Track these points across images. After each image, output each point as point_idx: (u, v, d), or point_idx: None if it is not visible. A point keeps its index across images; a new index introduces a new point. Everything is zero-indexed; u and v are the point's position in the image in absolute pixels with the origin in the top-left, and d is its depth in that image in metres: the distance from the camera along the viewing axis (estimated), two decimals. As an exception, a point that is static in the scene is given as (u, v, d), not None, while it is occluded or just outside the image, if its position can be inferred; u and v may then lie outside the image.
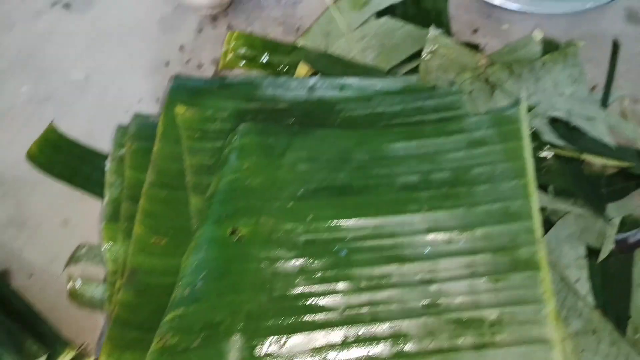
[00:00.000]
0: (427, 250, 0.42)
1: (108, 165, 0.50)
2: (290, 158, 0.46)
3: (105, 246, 0.45)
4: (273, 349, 0.38)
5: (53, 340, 0.43)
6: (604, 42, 0.71)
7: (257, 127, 0.47)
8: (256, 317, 0.39)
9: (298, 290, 0.40)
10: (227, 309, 0.39)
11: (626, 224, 0.58)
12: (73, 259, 0.51)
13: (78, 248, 0.51)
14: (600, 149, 0.65)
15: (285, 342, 0.38)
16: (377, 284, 0.41)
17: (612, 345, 0.48)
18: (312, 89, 0.54)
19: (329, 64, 0.61)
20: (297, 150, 0.47)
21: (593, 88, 0.69)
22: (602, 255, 0.54)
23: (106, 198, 0.48)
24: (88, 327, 0.48)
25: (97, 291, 0.48)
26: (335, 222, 0.43)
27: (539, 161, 0.55)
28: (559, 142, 0.60)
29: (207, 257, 0.41)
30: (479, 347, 0.37)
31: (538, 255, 0.40)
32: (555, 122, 0.64)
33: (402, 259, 0.42)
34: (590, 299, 0.51)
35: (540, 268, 0.39)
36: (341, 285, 0.41)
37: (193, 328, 0.39)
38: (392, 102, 0.51)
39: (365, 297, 0.40)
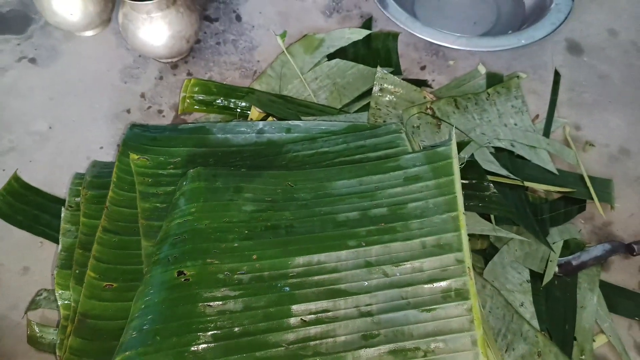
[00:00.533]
0: (366, 284, 0.44)
1: (63, 213, 0.52)
2: (237, 200, 0.48)
3: (58, 293, 0.46)
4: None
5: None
6: (546, 73, 0.75)
7: (205, 171, 0.50)
8: (201, 357, 0.40)
9: (242, 328, 0.42)
10: (172, 351, 0.40)
11: (570, 247, 0.61)
12: (32, 304, 0.52)
13: (37, 294, 0.52)
14: (543, 176, 0.67)
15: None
16: (319, 319, 0.42)
17: (558, 367, 0.50)
18: (260, 131, 0.56)
19: (280, 106, 0.64)
20: (244, 192, 0.49)
21: (536, 117, 0.73)
22: (547, 279, 0.56)
23: (60, 246, 0.50)
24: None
25: (55, 336, 0.49)
26: (278, 261, 0.45)
27: (481, 190, 0.58)
28: (502, 171, 0.63)
29: (154, 300, 0.43)
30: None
31: (468, 284, 0.42)
32: (500, 152, 0.67)
33: (342, 293, 0.43)
34: (535, 323, 0.53)
35: (470, 297, 0.41)
36: (284, 322, 0.42)
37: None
38: (335, 142, 0.54)
39: (308, 331, 0.42)
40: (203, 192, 0.49)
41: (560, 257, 0.58)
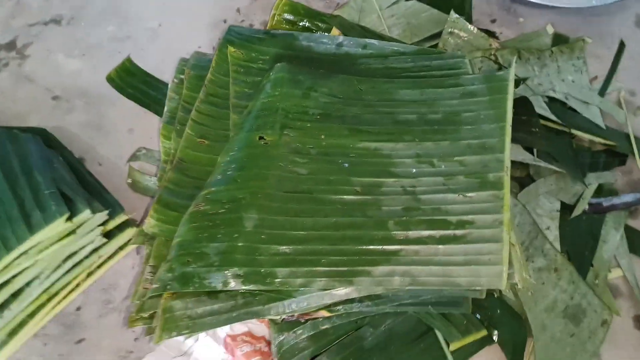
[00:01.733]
0: (413, 170, 0.51)
1: (170, 85, 0.62)
2: (314, 92, 0.57)
3: (162, 142, 0.57)
4: (279, 222, 0.48)
5: (113, 206, 0.55)
6: (610, 42, 0.78)
7: (289, 67, 0.58)
8: (270, 199, 0.49)
9: (305, 186, 0.51)
10: (248, 191, 0.50)
11: (602, 192, 0.65)
12: (134, 156, 0.63)
13: (138, 150, 0.64)
14: (590, 128, 0.71)
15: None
16: (369, 190, 0.51)
17: (571, 284, 0.55)
18: (340, 45, 0.64)
19: (358, 33, 0.72)
20: (320, 87, 0.57)
21: (594, 79, 0.76)
22: (576, 212, 0.61)
23: (166, 108, 0.61)
24: (140, 206, 0.60)
25: (149, 182, 0.60)
26: (342, 142, 0.53)
27: (528, 126, 0.63)
28: (552, 117, 0.68)
29: (238, 155, 0.52)
30: (443, 240, 0.46)
31: (503, 178, 0.48)
32: (553, 102, 0.72)
33: (392, 175, 0.51)
34: (557, 245, 0.58)
35: (503, 188, 0.48)
36: (341, 188, 0.51)
37: (221, 200, 0.49)
38: (404, 60, 0.61)
39: (359, 198, 0.50)
40: (286, 82, 0.57)
41: (593, 198, 0.62)
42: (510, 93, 0.53)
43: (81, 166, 0.60)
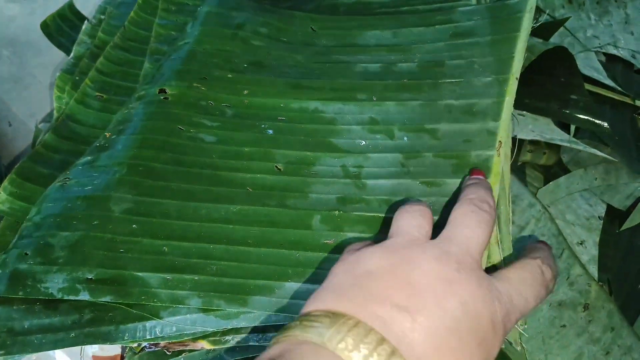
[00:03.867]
0: (363, 143, 0.35)
1: (84, 26, 0.50)
2: (247, 31, 0.42)
3: (55, 95, 0.45)
4: (160, 208, 0.34)
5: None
6: None
7: (223, -1, 0.44)
8: (153, 174, 0.35)
9: (207, 159, 0.36)
10: (126, 162, 0.36)
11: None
12: (48, 117, 0.52)
13: (53, 110, 0.52)
14: None
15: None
16: (296, 169, 0.35)
17: (609, 331, 0.36)
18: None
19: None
20: (257, 26, 0.42)
21: None
22: (630, 223, 0.41)
23: (72, 54, 0.48)
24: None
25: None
26: (270, 101, 0.38)
27: (567, 91, 0.43)
28: (608, 82, 0.47)
29: (129, 115, 0.39)
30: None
31: (491, 161, 0.30)
32: (613, 62, 0.51)
33: (332, 148, 0.35)
34: (593, 270, 0.39)
35: (491, 175, 0.30)
36: (256, 164, 0.36)
37: (92, 174, 0.36)
38: (384, -8, 0.44)
39: (278, 180, 0.35)
40: (214, 18, 0.43)
41: (659, 202, 0.42)
42: (525, 29, 0.34)
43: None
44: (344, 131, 0.36)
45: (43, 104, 0.54)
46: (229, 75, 0.39)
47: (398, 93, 0.36)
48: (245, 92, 0.39)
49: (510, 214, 0.32)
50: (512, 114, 0.33)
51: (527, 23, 0.35)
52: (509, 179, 0.32)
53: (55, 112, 0.45)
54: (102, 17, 0.51)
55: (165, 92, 0.38)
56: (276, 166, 0.35)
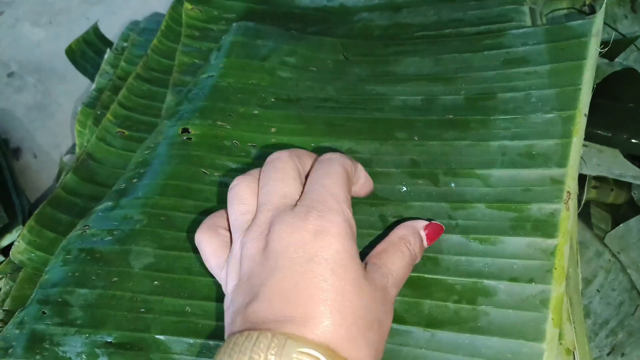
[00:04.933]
0: (404, 189, 0.31)
1: (106, 55, 0.48)
2: (273, 62, 0.39)
3: (77, 130, 0.44)
4: (183, 263, 0.32)
5: (19, 215, 0.43)
6: None
7: (249, 26, 0.41)
8: (175, 225, 0.33)
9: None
10: (147, 211, 0.34)
11: None
12: (71, 149, 0.51)
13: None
14: None
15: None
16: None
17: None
18: (335, -6, 0.45)
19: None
20: (284, 55, 0.39)
21: None
22: None
23: (93, 85, 0.47)
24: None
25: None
26: (299, 139, 0.35)
27: (638, 119, 0.38)
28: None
29: (150, 156, 0.37)
30: (432, 323, 0.26)
31: (558, 217, 0.26)
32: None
33: (370, 196, 0.32)
34: (673, 328, 0.34)
35: (557, 233, 0.26)
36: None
37: (112, 222, 0.35)
38: (424, 13, 0.40)
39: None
40: (239, 48, 0.40)
41: None
42: (592, 57, 0.30)
43: (5, 160, 0.50)
44: (381, 175, 0.32)
45: (67, 134, 0.54)
46: (255, 112, 0.37)
47: (442, 131, 0.32)
48: (273, 130, 0.36)
49: (579, 275, 0.27)
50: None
51: (593, 49, 0.30)
52: (576, 232, 0.28)
53: (77, 148, 0.44)
54: (125, 44, 0.49)
55: (189, 132, 0.36)
56: None
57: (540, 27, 0.33)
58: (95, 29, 0.60)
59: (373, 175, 0.33)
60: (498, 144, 0.30)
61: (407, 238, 0.26)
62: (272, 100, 0.37)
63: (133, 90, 0.44)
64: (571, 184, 0.27)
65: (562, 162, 0.28)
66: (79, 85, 0.56)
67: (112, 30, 0.60)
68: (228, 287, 0.25)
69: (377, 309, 0.23)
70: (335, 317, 0.21)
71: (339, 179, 0.25)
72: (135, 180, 0.36)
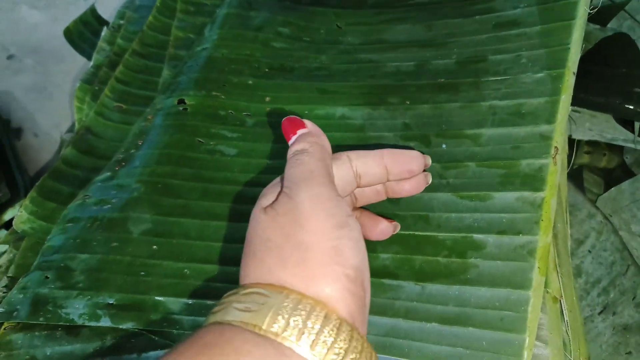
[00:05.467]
0: (395, 153, 0.32)
1: (103, 32, 0.49)
2: (267, 33, 0.39)
3: (76, 106, 0.44)
4: (181, 228, 0.33)
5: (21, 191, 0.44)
6: None
7: (244, -1, 0.41)
8: (173, 191, 0.34)
9: (228, 174, 0.34)
10: (145, 179, 0.35)
11: None
12: (71, 127, 0.52)
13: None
14: None
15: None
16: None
17: (685, 359, 0.32)
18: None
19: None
20: (278, 25, 0.39)
21: None
22: None
23: (91, 62, 0.48)
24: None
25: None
26: (294, 107, 0.35)
27: (631, 84, 0.39)
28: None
29: (147, 127, 0.37)
30: (423, 276, 0.27)
31: (546, 171, 0.27)
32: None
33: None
34: (664, 286, 0.35)
35: (544, 187, 0.26)
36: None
37: (110, 191, 0.35)
38: (418, -19, 0.40)
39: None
40: (233, 20, 0.40)
41: None
42: (581, 17, 0.30)
43: (7, 139, 0.50)
44: (374, 139, 0.33)
45: (67, 113, 0.54)
46: (250, 82, 0.37)
47: (434, 95, 0.32)
48: (267, 99, 0.36)
49: (568, 230, 0.28)
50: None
51: (582, 9, 0.31)
52: (565, 191, 0.29)
53: (76, 123, 0.44)
54: (121, 22, 0.50)
55: (184, 103, 0.37)
56: None
57: None
58: (92, 10, 0.60)
59: (366, 139, 0.33)
60: (488, 104, 0.30)
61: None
62: (266, 70, 0.38)
63: (130, 66, 0.44)
64: (559, 140, 0.27)
65: (550, 119, 0.28)
66: (77, 66, 0.57)
67: (108, 11, 0.60)
68: None
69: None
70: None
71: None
72: (133, 151, 0.37)
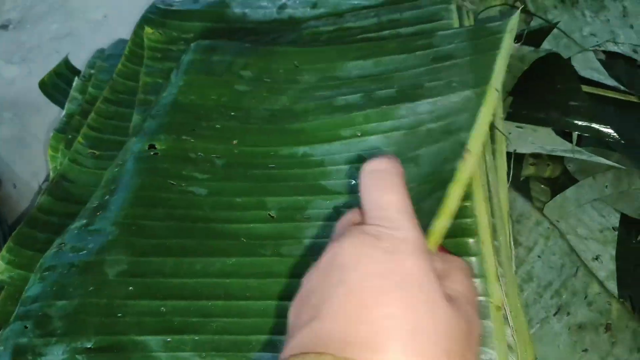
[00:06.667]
0: (352, 182, 0.34)
1: (75, 82, 0.50)
2: (230, 76, 0.41)
3: (50, 155, 0.45)
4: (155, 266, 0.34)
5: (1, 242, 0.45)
6: None
7: (205, 44, 0.43)
8: (147, 233, 0.35)
9: (200, 212, 0.35)
10: (119, 223, 0.36)
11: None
12: (48, 176, 0.53)
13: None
14: None
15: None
16: (289, 215, 0.34)
17: (636, 352, 0.34)
18: (282, 7, 0.47)
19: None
20: (240, 68, 0.41)
21: None
22: (648, 231, 0.39)
23: (64, 112, 0.49)
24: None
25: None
26: (260, 150, 0.37)
27: (567, 98, 0.41)
28: (610, 82, 0.45)
29: (119, 173, 0.38)
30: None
31: (456, 169, 0.27)
32: (614, 59, 0.48)
33: (322, 191, 0.34)
34: (612, 286, 0.37)
35: (446, 186, 0.27)
36: (248, 214, 0.35)
37: (86, 237, 0.36)
38: (365, 16, 0.43)
39: (271, 227, 0.34)
40: (197, 66, 0.42)
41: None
42: (505, 48, 0.33)
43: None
44: (333, 172, 0.34)
45: (44, 163, 0.55)
46: (217, 125, 0.39)
47: (379, 123, 0.35)
48: (234, 141, 0.38)
49: (511, 241, 0.30)
50: (499, 126, 0.31)
51: (507, 42, 0.33)
52: (506, 204, 0.31)
53: (51, 172, 0.45)
54: (92, 71, 0.51)
55: (155, 148, 0.38)
56: (269, 214, 0.34)
57: (464, 28, 0.36)
58: (65, 62, 0.61)
59: (326, 173, 0.35)
60: (426, 128, 0.32)
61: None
62: (232, 114, 0.39)
63: (101, 113, 0.46)
64: (474, 144, 0.29)
65: (469, 128, 0.30)
66: (53, 116, 0.58)
67: (81, 61, 0.61)
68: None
69: (462, 339, 0.19)
70: (406, 343, 0.18)
71: (399, 189, 0.22)
72: (107, 197, 0.38)
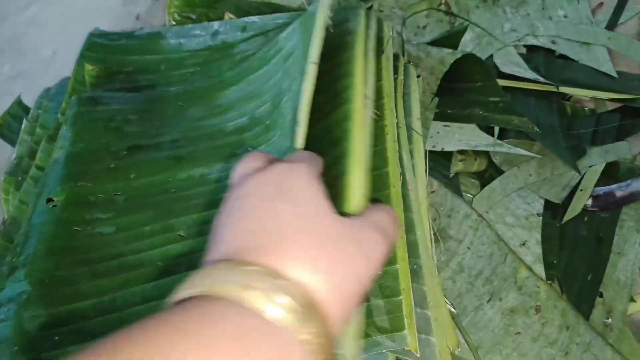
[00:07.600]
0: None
1: (23, 125, 0.51)
2: (118, 121, 0.39)
3: (3, 198, 0.46)
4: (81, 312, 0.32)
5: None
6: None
7: (86, 97, 0.42)
8: (60, 283, 0.33)
9: (112, 250, 0.34)
10: (32, 279, 0.33)
11: (618, 173, 0.43)
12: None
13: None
14: (594, 80, 0.48)
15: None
16: (197, 231, 0.33)
17: (565, 329, 0.35)
18: (215, 33, 0.47)
19: (250, 9, 0.56)
20: (127, 114, 0.40)
21: (599, 6, 0.51)
22: (571, 213, 0.40)
23: (14, 155, 0.49)
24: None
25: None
26: (158, 178, 0.36)
27: (486, 94, 0.43)
28: (529, 74, 0.46)
29: (26, 230, 0.37)
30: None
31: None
32: (534, 51, 0.50)
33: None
34: (539, 269, 0.38)
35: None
36: (159, 239, 0.35)
37: (8, 298, 0.33)
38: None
39: (184, 246, 0.34)
40: (81, 116, 0.41)
41: (600, 186, 0.41)
42: (319, 26, 0.32)
43: None
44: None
45: (0, 206, 0.56)
46: (112, 165, 0.37)
47: (265, 135, 0.35)
48: (132, 175, 0.36)
49: (430, 235, 0.31)
50: (415, 127, 0.33)
51: (320, 20, 0.33)
52: (425, 199, 0.32)
53: (5, 215, 0.46)
54: (39, 112, 0.51)
55: (53, 200, 0.36)
56: (179, 234, 0.33)
57: (296, 21, 0.38)
58: (18, 102, 0.61)
59: (226, 187, 0.36)
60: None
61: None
62: (125, 152, 0.38)
63: (47, 152, 0.46)
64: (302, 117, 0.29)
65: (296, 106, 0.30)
66: (9, 158, 0.59)
67: (34, 100, 0.62)
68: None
69: (355, 254, 0.20)
70: (295, 245, 0.19)
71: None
72: (14, 259, 0.35)
